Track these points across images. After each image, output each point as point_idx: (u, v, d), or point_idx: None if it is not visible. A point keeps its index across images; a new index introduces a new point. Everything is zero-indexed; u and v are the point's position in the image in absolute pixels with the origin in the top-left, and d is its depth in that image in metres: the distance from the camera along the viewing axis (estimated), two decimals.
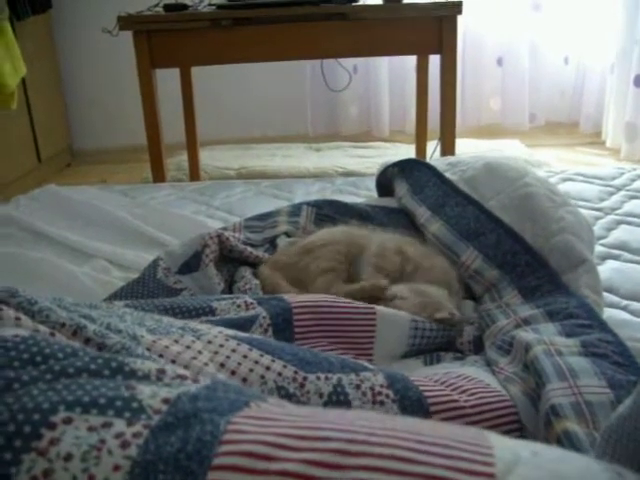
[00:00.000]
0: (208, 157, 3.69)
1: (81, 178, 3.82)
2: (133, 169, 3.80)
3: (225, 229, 1.35)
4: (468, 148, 3.66)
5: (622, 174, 1.91)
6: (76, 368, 0.53)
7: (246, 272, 1.22)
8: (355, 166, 3.54)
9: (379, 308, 1.02)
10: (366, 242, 1.24)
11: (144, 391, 0.49)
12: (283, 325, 0.95)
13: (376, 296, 1.10)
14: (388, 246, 1.20)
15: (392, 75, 4.20)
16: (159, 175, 2.62)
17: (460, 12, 2.46)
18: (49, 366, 0.53)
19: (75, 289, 1.27)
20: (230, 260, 1.27)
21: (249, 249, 1.27)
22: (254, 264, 1.27)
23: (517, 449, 0.44)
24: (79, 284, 1.29)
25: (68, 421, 0.47)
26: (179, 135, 3.26)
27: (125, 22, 2.45)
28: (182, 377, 0.54)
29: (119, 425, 0.46)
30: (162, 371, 0.55)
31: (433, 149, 3.07)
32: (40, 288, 1.27)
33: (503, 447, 0.45)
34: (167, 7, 2.55)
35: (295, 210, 1.43)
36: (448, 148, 2.65)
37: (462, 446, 0.44)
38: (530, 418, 0.81)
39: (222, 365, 0.73)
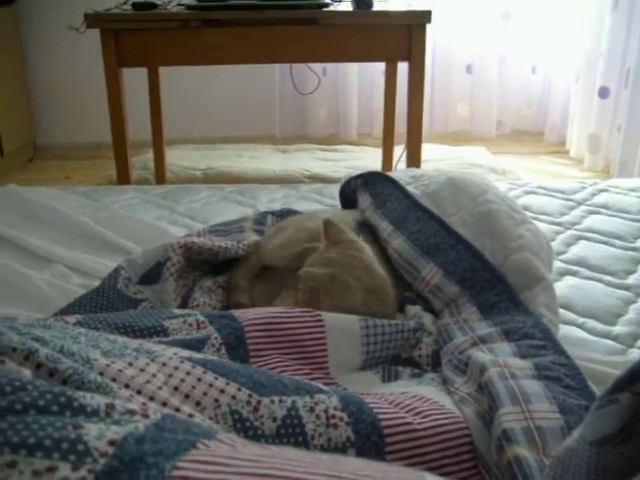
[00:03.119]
0: (174, 156, 3.66)
1: (43, 174, 3.76)
2: (97, 166, 3.76)
3: (189, 236, 1.35)
4: (435, 154, 3.68)
5: (583, 188, 1.92)
6: (24, 404, 0.52)
7: (205, 285, 1.23)
8: (321, 169, 3.53)
9: (326, 315, 1.02)
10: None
11: (91, 431, 0.48)
12: (236, 343, 0.94)
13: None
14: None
15: (361, 79, 4.21)
16: (124, 176, 2.59)
17: (429, 21, 2.48)
18: None
19: (32, 296, 1.25)
20: (199, 264, 1.28)
21: (217, 243, 1.28)
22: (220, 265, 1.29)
23: None
24: (36, 291, 1.26)
25: (12, 464, 0.45)
26: (146, 132, 3.22)
27: (92, 20, 2.42)
28: (132, 412, 0.54)
29: (64, 469, 0.45)
30: (111, 406, 0.54)
31: (400, 154, 3.09)
32: None
33: None
34: (135, 5, 2.51)
35: (260, 218, 1.45)
36: (414, 154, 2.67)
37: None
38: (483, 441, 0.82)
39: (176, 388, 0.72)
